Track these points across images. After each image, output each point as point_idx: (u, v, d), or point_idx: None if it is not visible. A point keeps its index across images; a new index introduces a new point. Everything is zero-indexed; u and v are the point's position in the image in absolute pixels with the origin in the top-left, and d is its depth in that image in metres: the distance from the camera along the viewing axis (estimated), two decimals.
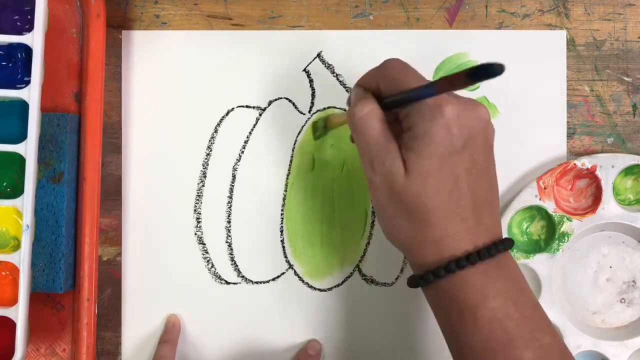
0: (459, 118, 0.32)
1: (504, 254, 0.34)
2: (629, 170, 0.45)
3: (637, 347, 0.44)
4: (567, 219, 0.44)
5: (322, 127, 0.44)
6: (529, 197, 0.45)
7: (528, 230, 0.46)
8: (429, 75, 0.46)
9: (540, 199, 0.44)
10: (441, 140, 0.32)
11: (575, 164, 0.44)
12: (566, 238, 0.45)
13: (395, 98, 0.34)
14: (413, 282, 0.35)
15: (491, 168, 0.35)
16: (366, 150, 0.34)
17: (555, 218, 0.44)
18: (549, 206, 0.44)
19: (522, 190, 0.45)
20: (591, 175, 0.45)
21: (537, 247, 0.46)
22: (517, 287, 0.34)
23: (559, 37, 0.46)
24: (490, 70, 0.27)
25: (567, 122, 0.46)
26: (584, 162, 0.44)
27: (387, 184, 0.34)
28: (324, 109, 0.46)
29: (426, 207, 0.33)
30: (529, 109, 0.46)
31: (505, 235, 0.44)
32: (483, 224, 0.34)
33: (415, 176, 0.33)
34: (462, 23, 0.46)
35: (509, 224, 0.45)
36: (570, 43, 0.46)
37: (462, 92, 0.46)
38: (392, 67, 0.35)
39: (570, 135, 0.46)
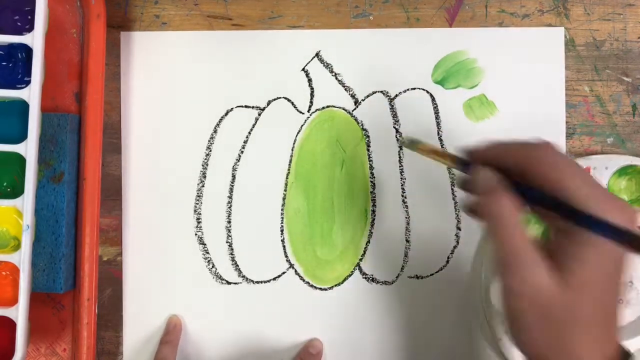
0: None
1: None
2: (622, 171, 0.45)
3: (636, 347, 0.44)
4: None
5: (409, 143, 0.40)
6: None
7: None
8: (428, 73, 0.46)
9: None
10: (609, 251, 0.30)
11: None
12: None
13: (562, 210, 0.30)
14: None
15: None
16: (509, 257, 0.31)
17: None
18: None
19: None
20: None
21: None
22: None
23: (557, 34, 0.46)
24: None
25: (567, 122, 0.46)
26: None
27: (533, 296, 0.31)
28: (323, 108, 0.46)
29: (575, 321, 0.31)
30: (528, 108, 0.46)
31: None
32: (608, 336, 0.32)
33: (572, 290, 0.30)
34: (462, 23, 0.46)
35: None
36: (570, 43, 0.46)
37: (461, 90, 0.46)
38: (550, 157, 0.31)
39: (569, 135, 0.46)
